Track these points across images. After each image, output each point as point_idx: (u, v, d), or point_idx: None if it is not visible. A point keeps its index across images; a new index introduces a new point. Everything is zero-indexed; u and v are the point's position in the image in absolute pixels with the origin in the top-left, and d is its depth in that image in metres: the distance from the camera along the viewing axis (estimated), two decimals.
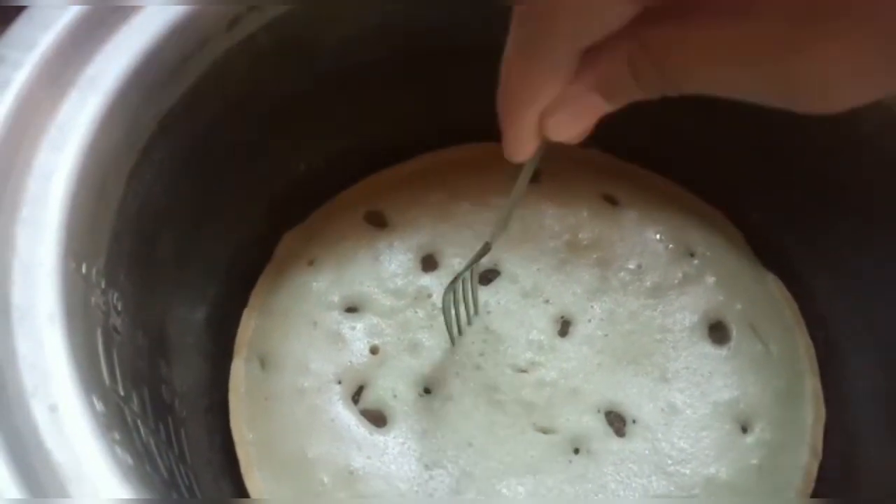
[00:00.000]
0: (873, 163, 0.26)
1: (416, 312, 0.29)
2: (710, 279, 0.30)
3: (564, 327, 0.30)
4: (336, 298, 0.30)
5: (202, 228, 0.28)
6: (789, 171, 0.29)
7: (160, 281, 0.26)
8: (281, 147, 0.30)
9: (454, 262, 0.31)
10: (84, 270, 0.19)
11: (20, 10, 0.21)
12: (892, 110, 0.24)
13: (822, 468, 0.28)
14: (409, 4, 0.28)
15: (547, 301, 0.30)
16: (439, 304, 0.30)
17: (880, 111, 0.24)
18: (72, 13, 0.21)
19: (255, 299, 0.30)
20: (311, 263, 0.31)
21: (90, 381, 0.16)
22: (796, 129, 0.27)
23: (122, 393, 0.19)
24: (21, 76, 0.20)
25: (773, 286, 0.31)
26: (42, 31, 0.21)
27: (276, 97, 0.28)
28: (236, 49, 0.25)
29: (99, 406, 0.16)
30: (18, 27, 0.21)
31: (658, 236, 0.31)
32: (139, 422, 0.19)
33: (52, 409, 0.15)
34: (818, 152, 0.28)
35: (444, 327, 0.29)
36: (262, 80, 0.27)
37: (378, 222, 0.32)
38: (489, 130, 0.34)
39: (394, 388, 0.28)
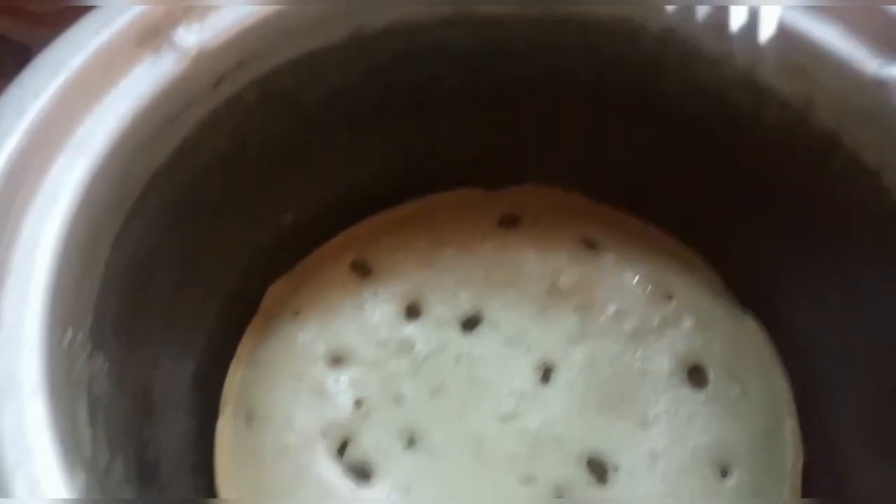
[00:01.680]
0: (846, 205, 0.27)
1: (399, 363, 0.30)
2: (688, 322, 0.31)
3: (546, 374, 0.30)
4: (321, 350, 0.30)
5: (189, 283, 0.29)
6: (767, 211, 0.30)
7: (147, 339, 0.26)
8: (268, 199, 0.30)
9: (437, 309, 0.31)
10: (70, 336, 0.19)
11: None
12: (856, 155, 0.25)
13: None
14: (393, 58, 0.28)
15: (529, 348, 0.31)
16: (422, 355, 0.30)
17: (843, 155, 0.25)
18: (59, 81, 0.22)
19: (242, 351, 0.31)
20: (297, 314, 0.31)
21: (73, 451, 0.17)
22: (773, 171, 0.28)
23: (106, 458, 0.19)
24: (10, 144, 0.21)
25: (752, 327, 0.32)
26: (31, 99, 0.22)
27: (264, 150, 0.28)
28: (223, 107, 0.25)
29: (82, 477, 0.16)
30: (6, 95, 0.22)
31: (637, 279, 0.32)
32: (124, 485, 0.19)
33: (34, 486, 0.16)
34: (795, 193, 0.28)
35: (426, 378, 0.29)
36: (248, 134, 0.27)
37: (363, 271, 0.33)
38: (472, 176, 0.35)
39: (378, 441, 0.28)
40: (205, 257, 0.29)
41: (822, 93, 0.25)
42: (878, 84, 0.23)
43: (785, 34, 0.24)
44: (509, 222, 0.34)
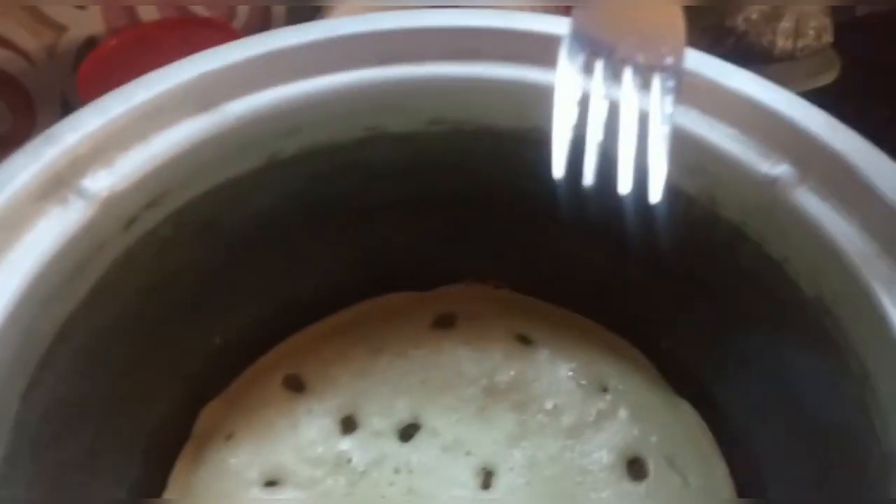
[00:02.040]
0: (758, 294, 0.27)
1: (336, 480, 0.29)
2: (624, 413, 0.31)
3: (487, 479, 0.30)
4: (254, 474, 0.29)
5: (116, 415, 0.28)
6: (690, 303, 0.31)
7: (71, 474, 0.26)
8: (194, 325, 0.30)
9: (374, 420, 0.31)
10: None
11: None
12: (761, 247, 0.26)
13: None
14: (311, 178, 0.29)
15: (468, 453, 0.30)
16: (359, 469, 0.30)
17: (750, 248, 0.26)
18: None
19: (174, 482, 0.30)
20: (229, 438, 0.31)
21: None
22: (691, 265, 0.29)
23: None
24: None
25: (687, 413, 0.32)
26: None
27: (185, 280, 0.28)
28: (137, 245, 0.25)
29: None
30: None
31: (571, 373, 0.32)
32: None
33: None
34: (713, 285, 0.29)
35: (365, 494, 0.29)
36: (167, 267, 0.27)
37: (297, 386, 0.32)
38: (405, 279, 0.35)
39: None
40: (131, 389, 0.28)
41: (723, 190, 0.26)
42: (771, 182, 0.24)
43: (683, 137, 0.25)
44: (444, 322, 0.34)
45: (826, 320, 0.24)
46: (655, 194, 0.22)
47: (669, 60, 0.23)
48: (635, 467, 0.30)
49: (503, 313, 0.34)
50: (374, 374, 0.32)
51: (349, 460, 0.30)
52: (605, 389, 0.32)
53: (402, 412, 0.31)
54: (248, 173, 0.27)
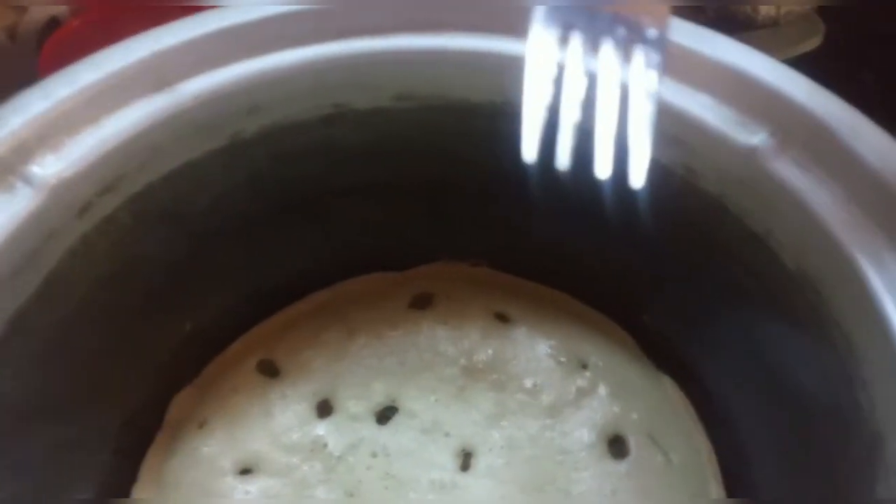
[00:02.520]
0: (740, 268, 0.27)
1: (312, 467, 0.29)
2: (604, 390, 0.30)
3: (466, 460, 0.29)
4: (228, 463, 0.29)
5: (82, 408, 0.27)
6: (671, 277, 0.30)
7: (37, 469, 0.25)
8: (161, 313, 0.29)
9: (350, 404, 0.30)
10: None
11: None
12: (742, 220, 0.25)
13: None
14: (278, 158, 0.28)
15: (447, 434, 0.30)
16: (335, 454, 0.29)
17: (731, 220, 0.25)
18: None
19: (145, 473, 0.29)
20: (201, 426, 0.30)
21: None
22: (669, 238, 0.28)
23: None
24: None
25: (670, 389, 0.31)
26: None
27: (149, 268, 0.27)
28: (94, 233, 0.24)
29: None
30: None
31: (550, 350, 0.32)
32: None
33: None
34: (694, 258, 0.28)
35: (342, 479, 0.28)
36: (129, 254, 0.26)
37: (270, 371, 0.31)
38: (381, 260, 0.35)
39: None
40: (98, 380, 0.27)
41: (701, 161, 0.25)
42: (750, 152, 0.23)
43: (659, 107, 0.24)
44: (421, 302, 0.34)
45: (810, 294, 0.23)
46: (638, 179, 0.20)
47: (653, 32, 0.21)
48: (616, 445, 0.30)
49: (481, 291, 0.34)
50: (349, 356, 0.31)
51: (325, 445, 0.29)
52: (584, 366, 0.31)
53: (378, 395, 0.31)
54: (209, 155, 0.26)
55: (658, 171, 0.26)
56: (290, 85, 0.26)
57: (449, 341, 0.32)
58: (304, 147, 0.27)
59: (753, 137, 0.23)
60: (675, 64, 0.24)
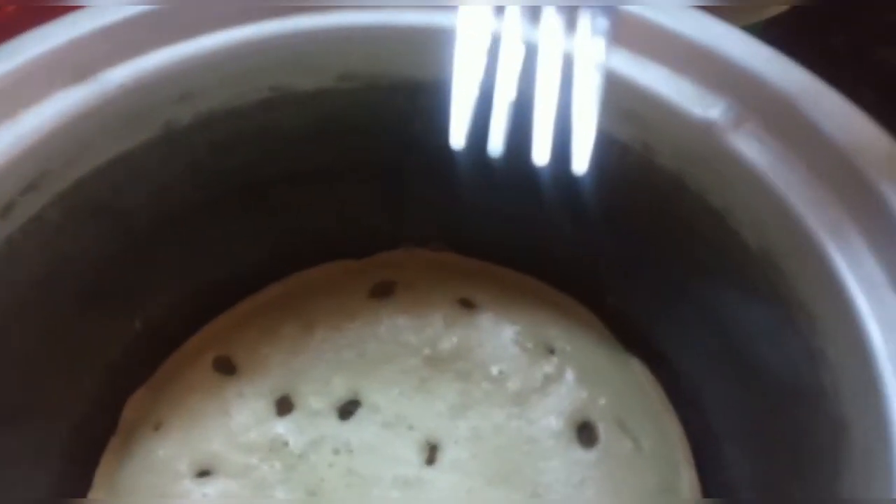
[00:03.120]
0: (701, 245, 0.26)
1: (272, 466, 0.28)
2: (571, 375, 0.29)
3: (432, 454, 0.28)
4: (184, 466, 0.28)
5: (26, 415, 0.26)
6: (634, 255, 0.29)
7: None
8: (106, 312, 0.28)
9: (310, 400, 0.29)
10: None
11: None
12: (701, 197, 0.24)
13: None
14: (215, 147, 0.26)
15: (411, 427, 0.29)
16: (296, 452, 0.28)
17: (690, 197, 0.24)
18: None
19: (100, 479, 0.28)
20: (157, 428, 0.29)
21: None
22: (630, 216, 0.27)
23: None
24: None
25: (638, 372, 0.30)
26: None
27: (86, 265, 0.26)
28: (20, 234, 0.23)
29: None
30: None
31: (516, 336, 0.31)
32: None
33: None
34: (656, 237, 0.27)
35: (302, 478, 0.27)
36: (62, 253, 0.25)
37: (227, 368, 0.30)
38: (339, 247, 0.33)
39: None
40: (39, 389, 0.26)
41: (656, 137, 0.24)
42: (707, 126, 0.22)
43: (611, 79, 0.23)
44: (382, 291, 0.32)
45: (772, 272, 0.22)
46: (581, 163, 0.18)
47: None
48: (585, 433, 0.29)
49: (444, 278, 0.32)
50: (308, 350, 0.30)
51: (285, 444, 0.28)
52: (551, 351, 0.30)
53: (339, 389, 0.30)
54: (141, 147, 0.25)
55: (613, 147, 0.25)
56: (222, 69, 0.24)
57: (411, 331, 0.31)
58: (242, 134, 0.26)
59: (711, 110, 0.22)
60: (628, 33, 0.23)
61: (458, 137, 0.18)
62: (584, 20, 0.19)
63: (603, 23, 0.19)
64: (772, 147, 0.21)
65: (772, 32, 0.24)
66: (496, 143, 0.18)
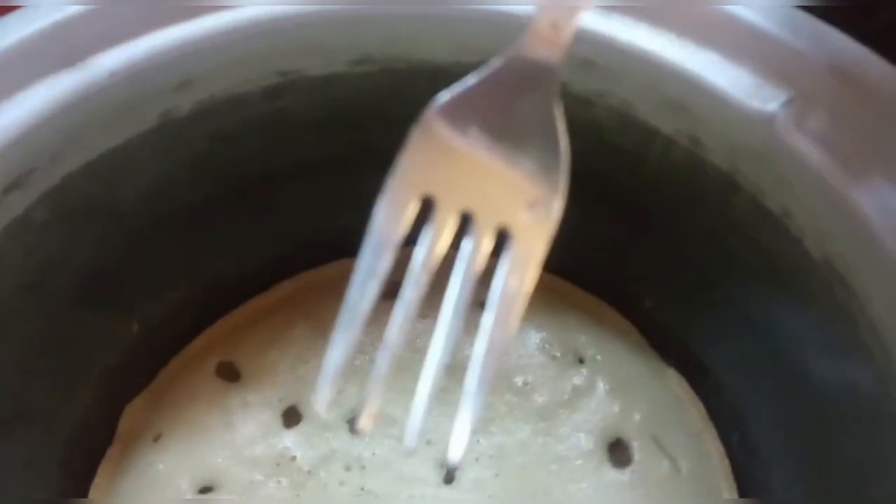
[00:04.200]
0: (754, 251, 0.23)
1: (279, 483, 0.26)
2: (603, 388, 0.27)
3: (451, 472, 0.26)
4: (185, 482, 0.26)
5: (17, 426, 0.24)
6: (675, 256, 0.27)
7: None
8: (102, 315, 0.26)
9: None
10: None
11: None
12: (756, 198, 0.22)
13: None
14: (216, 138, 0.24)
15: (429, 442, 0.27)
16: (305, 468, 0.26)
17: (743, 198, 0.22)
18: None
19: (95, 492, 0.26)
20: (156, 439, 0.27)
21: None
22: (671, 213, 0.25)
23: None
24: None
25: (675, 384, 0.28)
26: None
27: (79, 267, 0.24)
28: (4, 235, 0.21)
29: None
30: None
31: (542, 343, 0.28)
32: None
33: None
34: (701, 237, 0.25)
35: (312, 497, 0.25)
36: (51, 256, 0.23)
37: (231, 375, 0.28)
38: (348, 245, 0.31)
39: None
40: (32, 398, 0.24)
41: (707, 130, 0.21)
42: (766, 120, 0.19)
43: (656, 66, 0.21)
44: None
45: (838, 288, 0.20)
46: (455, 453, 0.17)
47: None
48: (618, 451, 0.26)
49: None
50: (317, 357, 0.28)
51: (293, 459, 0.26)
52: (581, 361, 0.28)
53: (351, 399, 0.28)
54: (136, 139, 0.22)
55: (656, 140, 0.22)
56: (225, 53, 0.22)
57: (428, 336, 0.29)
58: (246, 123, 0.24)
59: (770, 103, 0.19)
60: (673, 14, 0.20)
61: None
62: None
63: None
64: (840, 145, 0.19)
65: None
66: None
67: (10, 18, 0.20)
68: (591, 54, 0.22)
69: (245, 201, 0.26)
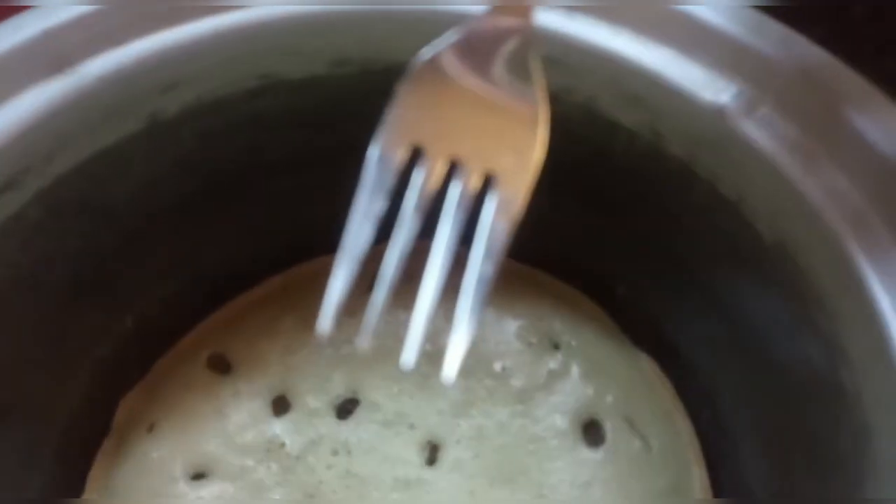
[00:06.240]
0: (713, 236, 0.24)
1: (268, 468, 0.27)
2: (577, 372, 0.28)
3: (433, 453, 0.27)
4: (179, 468, 0.27)
5: (12, 418, 0.25)
6: (644, 244, 0.28)
7: None
8: (96, 309, 0.27)
9: (308, 399, 0.28)
10: None
11: None
12: (713, 186, 0.23)
13: None
14: (203, 138, 0.25)
15: (412, 426, 0.28)
16: (294, 454, 0.27)
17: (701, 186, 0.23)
18: None
19: (92, 482, 0.28)
20: (150, 430, 0.28)
21: None
22: (637, 203, 0.26)
23: None
24: None
25: (647, 367, 0.29)
26: None
27: (72, 263, 0.25)
28: None
29: None
30: None
31: (519, 331, 0.30)
32: None
33: None
34: (666, 225, 0.26)
35: (300, 480, 0.26)
36: (46, 252, 0.24)
37: (222, 367, 0.29)
38: (335, 240, 0.32)
39: None
40: (27, 391, 0.25)
41: (664, 123, 0.22)
42: (718, 112, 0.21)
43: (617, 62, 0.22)
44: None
45: (788, 266, 0.21)
46: (450, 373, 0.17)
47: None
48: (592, 432, 0.28)
49: None
50: (305, 346, 0.29)
51: (282, 445, 0.27)
52: (556, 346, 0.29)
53: (338, 387, 0.29)
54: (126, 140, 0.23)
55: (620, 133, 0.24)
56: (207, 57, 0.23)
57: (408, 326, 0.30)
58: (232, 124, 0.25)
59: (721, 95, 0.21)
60: (632, 12, 0.22)
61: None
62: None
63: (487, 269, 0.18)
64: (787, 133, 0.20)
65: (782, 7, 0.22)
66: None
67: (1, 26, 0.21)
68: (557, 53, 0.23)
69: (232, 198, 0.27)
